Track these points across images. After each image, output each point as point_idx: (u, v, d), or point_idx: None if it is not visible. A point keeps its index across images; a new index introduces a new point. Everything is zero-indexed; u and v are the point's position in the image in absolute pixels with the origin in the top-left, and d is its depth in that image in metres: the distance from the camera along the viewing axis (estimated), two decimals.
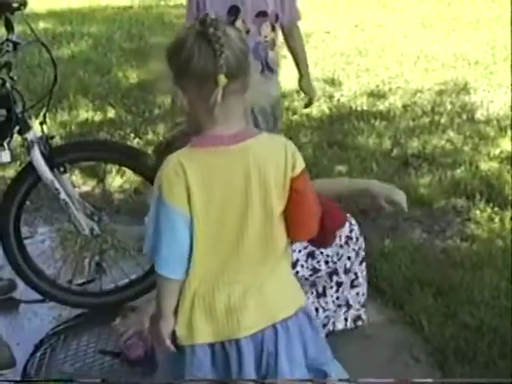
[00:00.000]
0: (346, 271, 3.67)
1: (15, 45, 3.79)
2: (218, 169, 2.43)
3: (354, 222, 3.70)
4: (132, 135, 6.02)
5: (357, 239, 3.68)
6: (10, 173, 4.23)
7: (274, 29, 4.05)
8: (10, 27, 3.84)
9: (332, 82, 6.89)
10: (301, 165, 2.52)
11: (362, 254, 3.71)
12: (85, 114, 6.45)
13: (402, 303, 3.89)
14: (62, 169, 3.87)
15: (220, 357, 2.57)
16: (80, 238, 4.00)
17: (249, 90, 2.45)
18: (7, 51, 3.76)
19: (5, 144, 3.78)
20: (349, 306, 3.73)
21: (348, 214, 3.70)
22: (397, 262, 4.14)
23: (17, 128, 3.78)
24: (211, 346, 2.56)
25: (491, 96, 6.38)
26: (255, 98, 2.57)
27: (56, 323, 4.02)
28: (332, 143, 5.67)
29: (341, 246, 3.62)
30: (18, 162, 4.39)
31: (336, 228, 3.56)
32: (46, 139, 3.87)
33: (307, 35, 8.12)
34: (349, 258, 3.66)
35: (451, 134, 5.80)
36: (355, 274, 3.70)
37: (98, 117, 6.42)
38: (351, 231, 3.66)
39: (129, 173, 4.89)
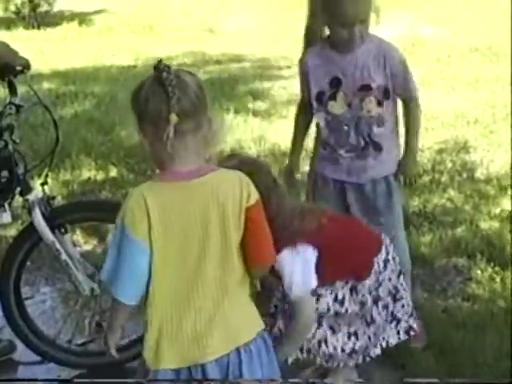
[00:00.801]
0: (389, 292, 3.60)
1: (18, 108, 3.82)
2: (177, 202, 2.60)
3: (388, 242, 3.63)
4: None
5: (394, 259, 3.61)
6: (12, 232, 4.22)
7: (380, 104, 3.83)
8: (13, 90, 3.87)
9: None
10: (255, 196, 2.69)
11: (398, 268, 3.64)
12: (87, 173, 6.46)
13: (404, 363, 3.87)
14: (62, 230, 3.88)
15: (185, 377, 2.68)
16: (81, 298, 3.99)
17: (212, 131, 2.64)
18: (10, 114, 3.79)
19: (6, 205, 3.79)
20: (398, 320, 3.63)
21: (383, 235, 3.65)
22: None
23: (18, 189, 3.79)
24: (177, 371, 2.67)
25: (491, 155, 6.39)
26: (218, 139, 2.72)
27: None
28: None
29: (380, 272, 3.54)
30: (20, 221, 4.37)
31: (374, 254, 3.53)
32: (47, 200, 3.88)
33: None
34: (389, 280, 3.59)
35: (452, 192, 5.80)
36: (395, 287, 3.62)
37: (100, 176, 6.43)
38: (388, 253, 3.59)
39: None
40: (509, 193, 5.68)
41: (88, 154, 6.80)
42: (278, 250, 3.14)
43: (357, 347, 3.60)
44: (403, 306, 3.64)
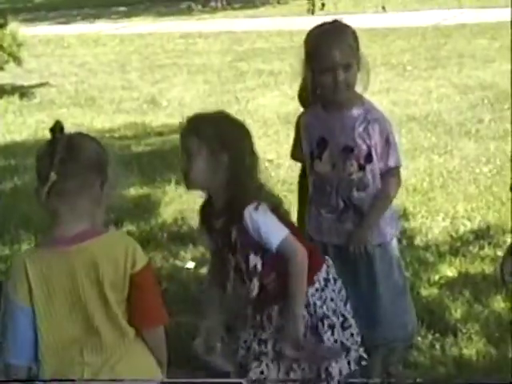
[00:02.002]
0: (334, 312, 3.57)
1: None
2: (56, 268, 2.67)
3: (330, 263, 3.64)
4: None
5: (335, 280, 3.61)
6: None
7: (361, 168, 3.84)
8: None
9: None
10: (141, 262, 2.75)
11: (343, 294, 3.63)
12: (27, 247, 6.40)
13: None
14: None
15: None
16: None
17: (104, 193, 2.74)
18: None
19: None
20: (348, 349, 3.61)
21: (326, 257, 3.67)
22: None
23: None
24: None
25: (430, 222, 6.46)
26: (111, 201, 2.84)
27: None
28: None
29: (322, 290, 3.54)
30: None
31: (316, 270, 3.53)
32: None
33: None
34: (332, 300, 3.57)
35: None
36: (343, 315, 3.60)
37: None
38: (328, 273, 3.59)
39: None
40: (448, 259, 5.73)
41: (27, 229, 6.74)
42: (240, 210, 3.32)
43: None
44: (352, 334, 3.63)
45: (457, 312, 4.98)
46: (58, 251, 2.68)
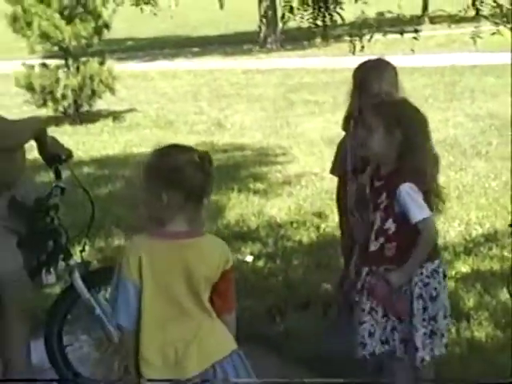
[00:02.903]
0: (431, 299, 3.49)
1: (62, 190, 3.84)
2: (166, 256, 2.73)
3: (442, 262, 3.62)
4: None
5: (444, 276, 3.57)
6: (56, 291, 4.21)
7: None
8: (58, 175, 3.90)
9: (319, 215, 6.91)
10: (231, 261, 2.83)
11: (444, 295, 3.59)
12: (117, 241, 6.47)
13: None
14: (97, 288, 3.87)
15: None
16: (111, 345, 3.95)
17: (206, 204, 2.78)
18: (55, 195, 3.81)
19: (51, 268, 3.79)
20: (442, 335, 3.55)
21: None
22: None
23: (61, 256, 3.79)
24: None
25: (447, 227, 6.34)
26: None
27: None
28: (319, 265, 5.64)
29: (427, 277, 3.48)
30: (63, 282, 4.34)
31: (430, 260, 3.49)
32: (84, 265, 3.88)
33: (299, 176, 8.27)
34: (435, 289, 3.50)
35: None
36: (444, 306, 3.56)
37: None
38: (439, 267, 3.54)
39: None
40: (462, 258, 5.66)
41: (118, 226, 6.81)
42: (399, 183, 3.34)
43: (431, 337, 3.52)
44: (447, 324, 3.62)
45: (469, 301, 4.91)
46: (168, 243, 2.74)
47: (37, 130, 3.76)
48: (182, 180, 2.69)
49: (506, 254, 5.60)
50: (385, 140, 3.39)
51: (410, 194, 3.36)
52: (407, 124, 3.39)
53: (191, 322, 2.78)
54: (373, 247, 3.52)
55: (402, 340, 3.54)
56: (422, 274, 3.47)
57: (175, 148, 2.86)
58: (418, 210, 3.35)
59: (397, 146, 3.38)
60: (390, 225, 3.46)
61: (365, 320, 3.54)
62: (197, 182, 2.70)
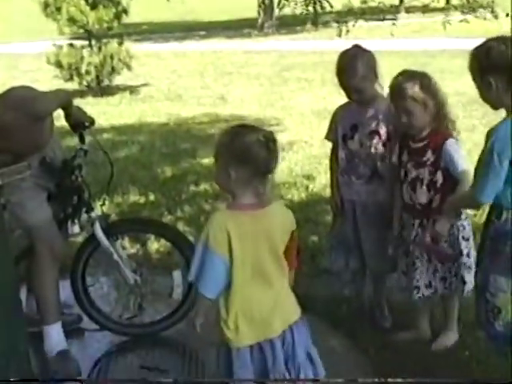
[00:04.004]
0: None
1: (85, 152, 3.83)
2: (248, 226, 2.59)
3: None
4: (166, 213, 6.03)
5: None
6: (80, 239, 4.22)
7: (384, 145, 3.79)
8: (82, 140, 3.89)
9: (308, 177, 6.90)
10: (294, 224, 2.73)
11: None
12: (133, 197, 6.47)
13: None
14: (115, 237, 3.89)
15: (257, 354, 2.68)
16: (127, 286, 3.98)
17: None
18: (79, 157, 3.81)
19: (76, 220, 3.80)
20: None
21: None
22: None
23: (84, 209, 3.80)
24: (251, 348, 2.67)
25: None
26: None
27: (110, 345, 4.00)
28: (308, 220, 5.65)
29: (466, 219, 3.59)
30: (85, 232, 4.36)
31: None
32: (104, 216, 3.90)
33: (291, 143, 8.25)
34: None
35: None
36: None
37: (142, 200, 6.43)
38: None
39: (163, 240, 4.85)
40: None
41: (134, 184, 6.81)
42: (445, 138, 3.46)
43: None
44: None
45: None
46: (249, 213, 2.60)
47: (64, 100, 3.75)
48: (249, 158, 2.55)
49: None
50: (424, 113, 3.48)
51: (455, 148, 3.47)
52: (436, 93, 3.50)
53: (273, 288, 2.68)
54: (424, 200, 3.54)
55: (442, 278, 3.63)
56: (461, 218, 3.56)
57: (243, 128, 2.69)
58: (461, 161, 3.45)
59: (432, 113, 3.50)
60: (439, 177, 3.51)
61: (417, 266, 3.63)
62: (262, 160, 2.56)
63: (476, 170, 2.93)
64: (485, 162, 2.84)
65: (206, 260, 2.57)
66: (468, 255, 3.59)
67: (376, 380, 3.08)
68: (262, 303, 2.67)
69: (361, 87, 3.73)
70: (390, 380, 3.04)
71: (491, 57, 2.83)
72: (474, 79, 2.96)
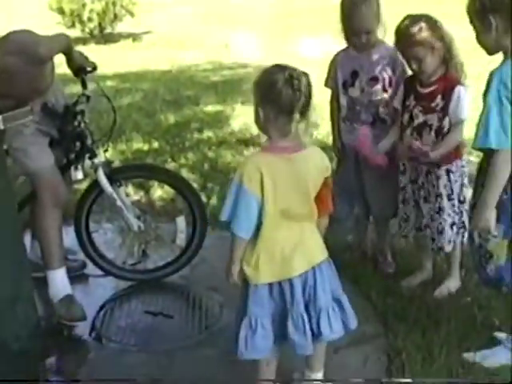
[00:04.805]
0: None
1: (88, 98, 3.78)
2: (282, 169, 2.56)
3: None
4: (169, 160, 5.99)
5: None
6: (84, 186, 4.20)
7: (385, 91, 3.75)
8: (84, 85, 3.83)
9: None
10: (330, 169, 2.69)
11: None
12: (137, 145, 6.43)
13: None
14: (118, 184, 3.85)
15: (277, 292, 2.66)
16: (131, 232, 3.97)
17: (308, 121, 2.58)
18: (82, 102, 3.76)
19: (79, 166, 3.76)
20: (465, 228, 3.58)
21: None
22: None
23: (87, 155, 3.76)
24: (270, 285, 2.66)
25: None
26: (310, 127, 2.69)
27: (114, 291, 4.00)
28: None
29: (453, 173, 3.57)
30: (89, 178, 4.34)
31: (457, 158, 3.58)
32: (107, 163, 3.86)
33: None
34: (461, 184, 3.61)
35: None
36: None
37: (145, 147, 6.40)
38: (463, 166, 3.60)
39: (166, 187, 4.83)
40: None
41: (137, 132, 6.77)
42: (455, 84, 3.42)
43: (460, 225, 3.59)
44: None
45: None
46: (282, 157, 2.57)
47: (64, 44, 3.68)
48: (272, 95, 2.51)
49: None
50: (433, 58, 3.42)
51: (463, 95, 3.42)
52: (443, 36, 3.43)
53: (297, 226, 2.67)
54: (430, 141, 3.50)
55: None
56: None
57: (275, 67, 2.60)
58: (465, 110, 3.42)
59: (441, 56, 3.44)
60: (446, 123, 3.47)
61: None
62: (285, 98, 2.49)
63: (481, 115, 2.87)
64: (488, 105, 2.77)
65: (240, 200, 2.56)
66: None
67: (379, 380, 3.08)
68: (285, 243, 2.65)
69: (368, 30, 3.65)
70: (394, 380, 3.05)
71: None
72: (473, 21, 2.87)
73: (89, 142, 3.76)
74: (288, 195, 2.60)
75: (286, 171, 2.58)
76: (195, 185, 5.09)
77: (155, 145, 6.44)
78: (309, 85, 2.54)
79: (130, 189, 5.10)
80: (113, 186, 3.80)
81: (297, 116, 2.50)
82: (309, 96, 2.54)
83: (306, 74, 2.56)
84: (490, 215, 2.83)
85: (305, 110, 2.53)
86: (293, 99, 2.50)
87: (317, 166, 2.65)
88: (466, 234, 3.52)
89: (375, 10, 3.67)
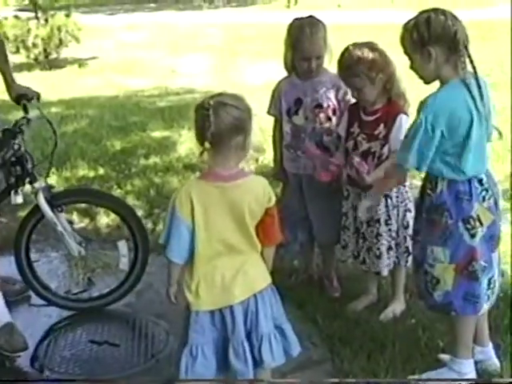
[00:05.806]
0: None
1: (28, 120, 3.75)
2: (214, 198, 2.59)
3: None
4: (115, 187, 5.92)
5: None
6: (23, 211, 4.11)
7: (329, 119, 3.75)
8: (26, 110, 3.80)
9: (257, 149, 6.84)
10: (273, 199, 2.67)
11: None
12: (82, 171, 6.35)
13: None
14: (59, 209, 3.80)
15: (218, 320, 2.66)
16: (73, 259, 3.91)
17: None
18: (22, 124, 3.72)
19: (19, 190, 3.70)
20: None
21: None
22: None
23: (28, 179, 3.70)
24: (211, 312, 2.66)
25: None
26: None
27: (57, 320, 3.90)
28: None
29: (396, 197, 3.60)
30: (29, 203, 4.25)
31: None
32: (48, 188, 3.80)
33: None
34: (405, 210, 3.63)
35: None
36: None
37: (91, 173, 6.31)
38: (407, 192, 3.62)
39: (112, 213, 4.76)
40: None
41: (83, 159, 6.68)
42: (397, 113, 3.42)
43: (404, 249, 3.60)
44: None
45: None
46: (216, 185, 2.58)
47: None
48: (197, 125, 2.57)
49: None
50: (373, 88, 3.44)
51: (405, 122, 3.39)
52: (385, 66, 3.43)
53: (238, 255, 2.66)
54: (366, 171, 3.47)
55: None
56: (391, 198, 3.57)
57: (208, 97, 2.62)
58: (400, 139, 3.29)
59: (382, 87, 3.46)
60: (385, 150, 3.48)
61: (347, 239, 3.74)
62: (197, 127, 2.56)
63: (405, 137, 2.93)
64: (415, 128, 2.82)
65: (172, 225, 2.61)
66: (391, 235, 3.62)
67: (377, 380, 3.08)
68: (225, 271, 2.65)
69: (319, 55, 3.67)
70: (389, 379, 3.06)
71: (432, 27, 2.80)
72: (409, 52, 2.90)
73: (29, 166, 3.70)
74: (221, 223, 2.61)
75: (218, 199, 2.58)
76: (141, 211, 5.04)
77: (101, 171, 6.36)
78: (228, 114, 2.53)
79: (75, 216, 5.02)
80: (54, 211, 3.74)
81: (207, 145, 2.51)
82: (230, 125, 2.52)
83: (225, 104, 2.55)
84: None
85: (219, 140, 2.52)
86: (202, 128, 2.51)
87: (257, 195, 2.63)
88: (410, 259, 3.55)
89: (324, 35, 3.71)
